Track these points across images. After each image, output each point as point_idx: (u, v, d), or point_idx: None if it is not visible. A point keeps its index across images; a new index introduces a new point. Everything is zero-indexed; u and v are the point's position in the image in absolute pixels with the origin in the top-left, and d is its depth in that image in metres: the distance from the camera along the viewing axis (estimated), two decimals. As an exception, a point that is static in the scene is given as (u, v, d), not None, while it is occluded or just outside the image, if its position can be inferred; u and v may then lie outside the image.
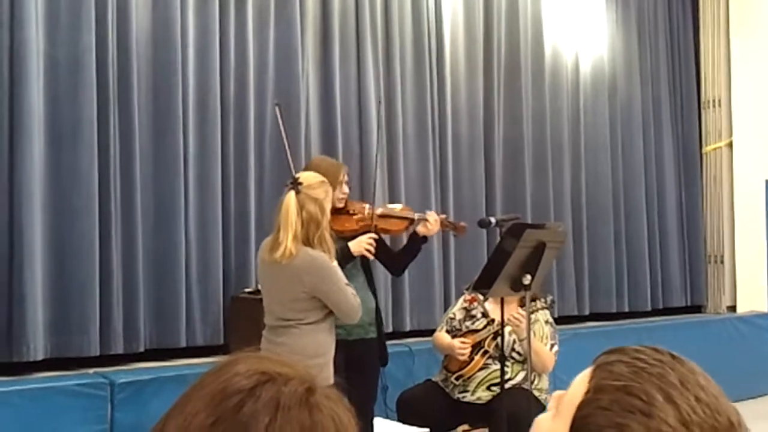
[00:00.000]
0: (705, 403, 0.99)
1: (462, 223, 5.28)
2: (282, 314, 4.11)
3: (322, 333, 4.09)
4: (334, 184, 4.61)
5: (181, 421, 1.01)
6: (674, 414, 0.96)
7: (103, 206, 5.22)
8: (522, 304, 5.12)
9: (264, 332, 4.20)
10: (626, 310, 8.23)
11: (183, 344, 5.55)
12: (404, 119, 6.76)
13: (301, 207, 3.99)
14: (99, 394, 4.75)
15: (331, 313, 4.13)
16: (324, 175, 4.48)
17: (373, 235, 4.62)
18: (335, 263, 4.17)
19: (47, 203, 5.06)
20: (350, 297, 4.08)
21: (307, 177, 4.16)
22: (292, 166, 4.44)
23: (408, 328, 6.61)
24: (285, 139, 4.58)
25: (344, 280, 4.13)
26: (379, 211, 4.90)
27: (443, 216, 5.10)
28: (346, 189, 4.77)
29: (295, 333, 4.06)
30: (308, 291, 4.02)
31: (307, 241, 4.01)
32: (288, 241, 3.96)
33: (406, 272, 6.21)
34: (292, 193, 4.03)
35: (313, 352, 3.99)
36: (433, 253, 6.65)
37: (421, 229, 4.88)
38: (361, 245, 4.57)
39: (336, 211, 4.71)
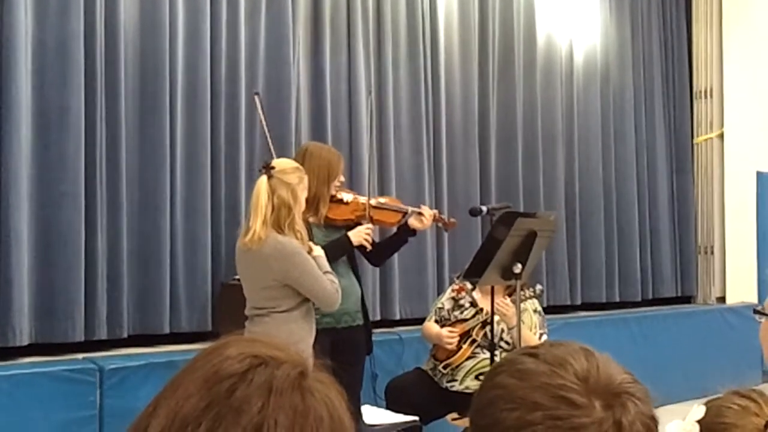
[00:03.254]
0: None
1: (452, 219, 5.26)
2: (255, 303, 4.10)
3: (295, 322, 4.03)
4: (336, 172, 4.64)
5: (173, 404, 1.00)
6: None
7: (89, 192, 5.18)
8: (509, 294, 5.13)
9: (246, 322, 4.19)
10: (617, 300, 8.25)
11: (167, 330, 5.52)
12: (396, 108, 6.74)
13: (272, 191, 3.96)
14: (88, 380, 4.72)
15: (305, 301, 4.08)
16: (327, 163, 4.57)
17: (370, 225, 4.65)
18: (319, 253, 4.15)
19: (33, 189, 5.03)
20: (325, 283, 4.04)
21: (280, 162, 4.13)
22: (274, 155, 4.42)
23: (397, 317, 6.61)
24: (266, 130, 4.57)
25: (325, 267, 4.10)
26: (373, 202, 4.89)
27: (436, 211, 5.10)
28: (342, 178, 4.78)
29: (267, 322, 4.02)
30: (279, 279, 3.98)
31: (279, 227, 3.96)
32: (257, 226, 3.92)
33: (397, 261, 6.22)
34: (264, 177, 4.00)
35: (284, 341, 3.90)
36: (426, 241, 6.65)
37: (414, 222, 4.88)
38: (361, 235, 4.59)
39: (330, 200, 4.71)
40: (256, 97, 4.79)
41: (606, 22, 8.33)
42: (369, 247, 4.65)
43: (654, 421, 1.12)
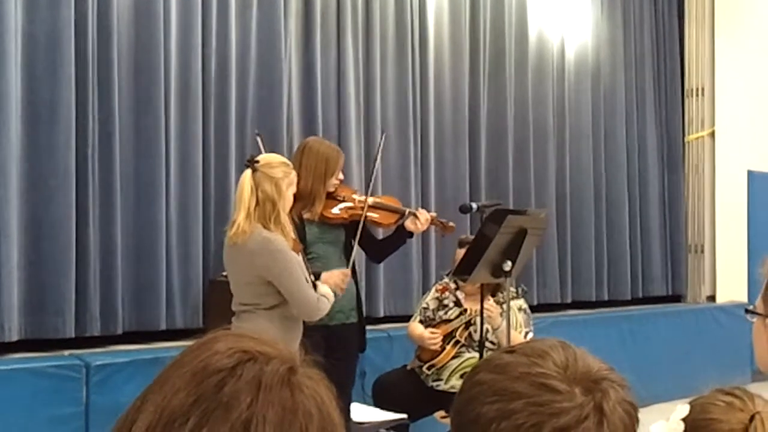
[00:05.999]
0: None
1: (451, 223, 5.16)
2: (241, 299, 4.06)
3: (279, 319, 3.98)
4: (333, 168, 4.60)
5: (160, 399, 0.99)
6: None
7: (81, 187, 5.15)
8: (492, 293, 5.13)
9: (233, 318, 4.15)
10: (606, 298, 8.25)
11: (162, 327, 5.48)
12: (384, 104, 6.71)
13: (256, 185, 3.91)
14: (74, 376, 4.70)
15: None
16: (325, 159, 4.52)
17: (347, 271, 4.47)
18: (325, 291, 4.10)
19: (23, 183, 4.99)
20: (307, 290, 3.96)
21: (266, 156, 4.09)
22: None
23: (382, 314, 6.58)
24: None
25: (304, 274, 4.00)
26: (371, 201, 4.82)
27: (433, 215, 5.03)
28: (341, 175, 4.74)
29: (251, 318, 3.98)
30: (262, 275, 3.93)
31: (265, 222, 3.92)
32: (240, 219, 3.88)
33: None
34: (248, 171, 3.96)
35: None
36: (411, 239, 6.59)
37: (409, 224, 4.84)
38: (332, 279, 4.38)
39: (327, 196, 4.67)
40: (258, 138, 4.67)
41: (598, 19, 8.32)
42: (340, 293, 4.36)
43: (634, 407, 1.16)
